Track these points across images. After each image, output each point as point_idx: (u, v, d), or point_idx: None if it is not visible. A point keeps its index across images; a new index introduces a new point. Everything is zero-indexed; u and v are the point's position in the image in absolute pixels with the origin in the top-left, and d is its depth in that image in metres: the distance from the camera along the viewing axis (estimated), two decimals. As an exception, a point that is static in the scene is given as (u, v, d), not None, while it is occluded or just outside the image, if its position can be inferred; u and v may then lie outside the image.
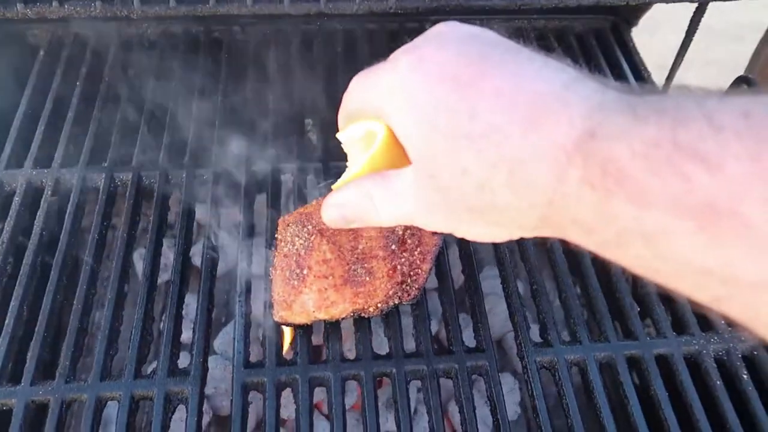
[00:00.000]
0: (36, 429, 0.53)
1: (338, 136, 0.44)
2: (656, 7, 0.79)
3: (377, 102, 0.37)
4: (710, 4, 0.78)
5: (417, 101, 0.33)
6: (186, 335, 0.68)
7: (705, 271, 0.24)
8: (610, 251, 0.29)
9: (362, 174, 0.41)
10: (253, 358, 0.57)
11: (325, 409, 0.76)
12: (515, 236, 0.36)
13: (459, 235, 0.37)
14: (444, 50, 0.33)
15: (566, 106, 0.28)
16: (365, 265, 0.58)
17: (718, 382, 0.58)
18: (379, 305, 0.57)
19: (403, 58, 0.34)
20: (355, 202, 0.40)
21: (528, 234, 0.34)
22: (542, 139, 0.29)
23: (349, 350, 0.58)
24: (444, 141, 0.32)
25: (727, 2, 0.78)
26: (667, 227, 0.24)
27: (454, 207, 0.34)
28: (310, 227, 0.59)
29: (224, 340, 0.79)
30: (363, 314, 0.58)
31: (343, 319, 0.58)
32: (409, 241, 0.61)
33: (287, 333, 0.60)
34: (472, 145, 0.31)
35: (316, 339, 0.59)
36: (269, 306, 0.58)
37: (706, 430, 0.55)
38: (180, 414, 0.57)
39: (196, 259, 0.78)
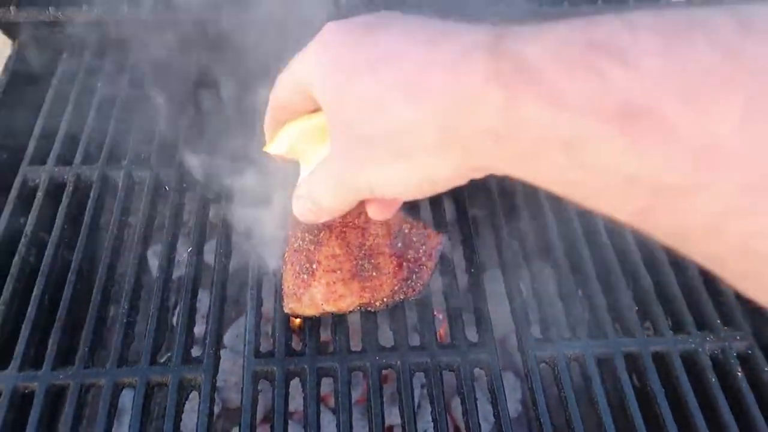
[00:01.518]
0: (56, 411, 0.55)
1: (267, 149, 0.44)
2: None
3: (304, 73, 0.37)
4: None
5: (330, 46, 0.34)
6: (198, 330, 0.70)
7: (630, 178, 0.22)
8: (526, 165, 0.27)
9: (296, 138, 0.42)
10: (263, 349, 0.60)
11: (331, 402, 0.78)
12: (427, 173, 0.32)
13: (378, 190, 0.35)
14: (362, 17, 0.35)
15: (469, 29, 0.28)
16: (372, 260, 0.60)
17: (713, 380, 0.60)
18: (385, 300, 0.60)
19: (325, 25, 0.36)
20: (306, 200, 0.42)
21: (438, 169, 0.31)
22: (442, 51, 0.28)
23: (357, 346, 0.60)
24: (348, 71, 0.32)
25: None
26: (585, 131, 0.22)
27: (360, 142, 0.33)
28: (319, 224, 0.62)
29: (234, 334, 0.81)
30: (369, 308, 0.60)
31: (350, 312, 0.60)
32: (414, 239, 0.63)
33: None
34: (371, 68, 0.31)
35: (324, 332, 0.61)
36: (280, 299, 0.60)
37: (701, 425, 0.57)
38: (191, 404, 0.60)
39: (210, 257, 0.81)
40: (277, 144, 0.43)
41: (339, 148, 0.36)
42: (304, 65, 0.37)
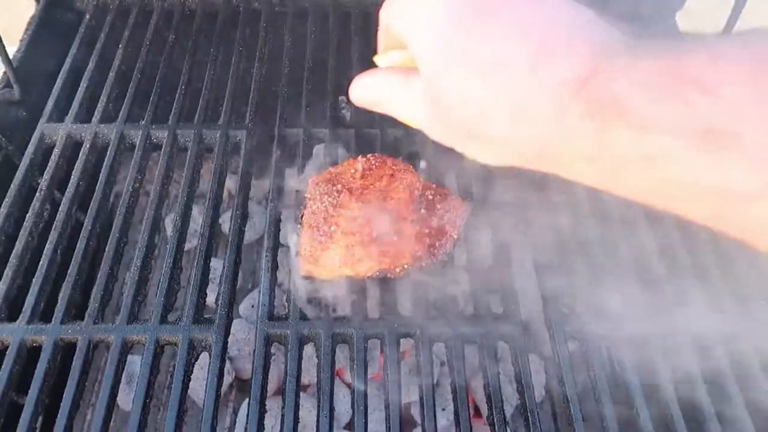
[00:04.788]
0: (64, 369, 0.54)
1: (376, 59, 0.44)
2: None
3: (403, 17, 0.37)
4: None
5: (437, 22, 0.33)
6: (210, 299, 0.68)
7: (705, 189, 0.25)
8: (608, 180, 0.30)
9: (401, 65, 0.41)
10: (277, 313, 0.57)
11: (345, 377, 0.76)
12: (514, 164, 0.36)
13: (459, 150, 0.38)
14: None
15: (573, 46, 0.29)
16: (393, 225, 0.57)
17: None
18: (405, 266, 0.57)
19: None
20: (379, 91, 0.40)
21: (525, 165, 0.35)
22: (546, 77, 0.29)
23: (375, 314, 0.58)
24: (454, 63, 0.32)
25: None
26: (667, 149, 0.25)
27: (454, 128, 0.35)
28: (339, 186, 0.59)
29: (249, 305, 0.79)
30: (389, 274, 0.57)
31: (368, 277, 0.57)
32: (439, 206, 0.60)
33: None
34: (479, 73, 0.31)
35: (341, 298, 0.59)
36: (296, 262, 0.58)
37: (742, 412, 0.53)
38: (202, 372, 0.58)
39: (225, 226, 0.79)
40: (385, 58, 0.43)
41: (429, 111, 0.36)
42: (409, 17, 0.36)
